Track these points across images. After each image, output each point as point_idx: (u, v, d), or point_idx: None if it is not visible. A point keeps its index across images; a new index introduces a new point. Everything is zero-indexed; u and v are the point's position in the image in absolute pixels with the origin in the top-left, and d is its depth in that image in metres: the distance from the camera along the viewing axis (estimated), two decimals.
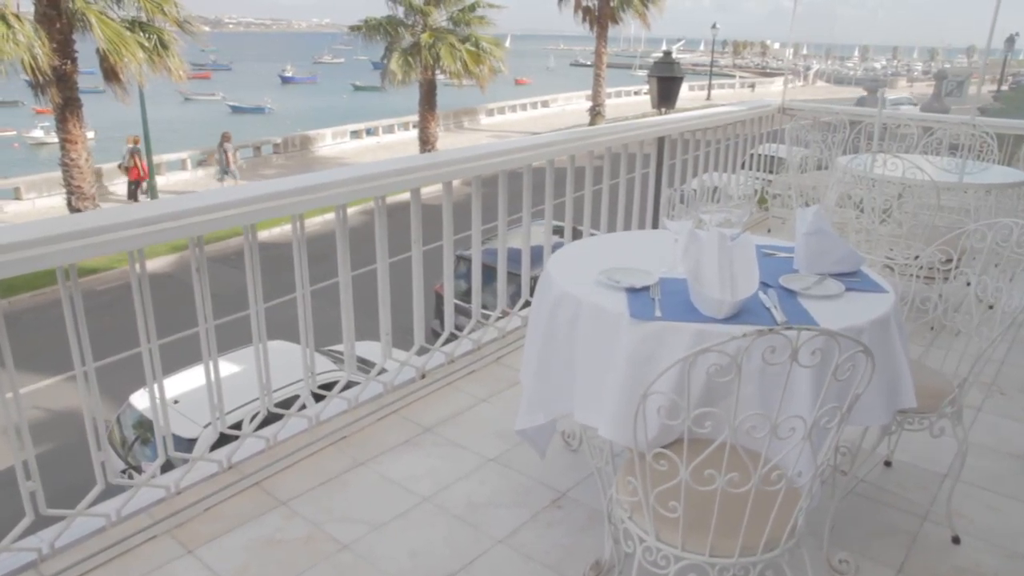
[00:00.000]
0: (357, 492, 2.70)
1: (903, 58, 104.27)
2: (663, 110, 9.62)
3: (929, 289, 4.03)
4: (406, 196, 3.30)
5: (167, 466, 2.85)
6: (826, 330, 1.43)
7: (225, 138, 19.63)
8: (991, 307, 2.42)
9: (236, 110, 43.12)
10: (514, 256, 3.98)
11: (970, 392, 2.47)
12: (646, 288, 2.11)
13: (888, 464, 2.86)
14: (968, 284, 2.80)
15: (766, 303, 2.03)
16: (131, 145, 18.12)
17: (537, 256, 4.22)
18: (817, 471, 1.63)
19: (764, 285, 2.18)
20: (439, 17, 21.28)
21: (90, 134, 30.53)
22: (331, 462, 2.88)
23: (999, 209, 4.78)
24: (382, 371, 3.38)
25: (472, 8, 21.44)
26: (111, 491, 2.51)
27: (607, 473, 2.10)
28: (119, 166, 18.60)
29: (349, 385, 3.26)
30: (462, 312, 4.14)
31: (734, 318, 1.92)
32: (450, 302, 3.66)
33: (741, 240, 2.11)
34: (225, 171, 19.52)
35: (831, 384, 1.47)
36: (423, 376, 3.52)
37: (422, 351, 3.54)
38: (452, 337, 3.74)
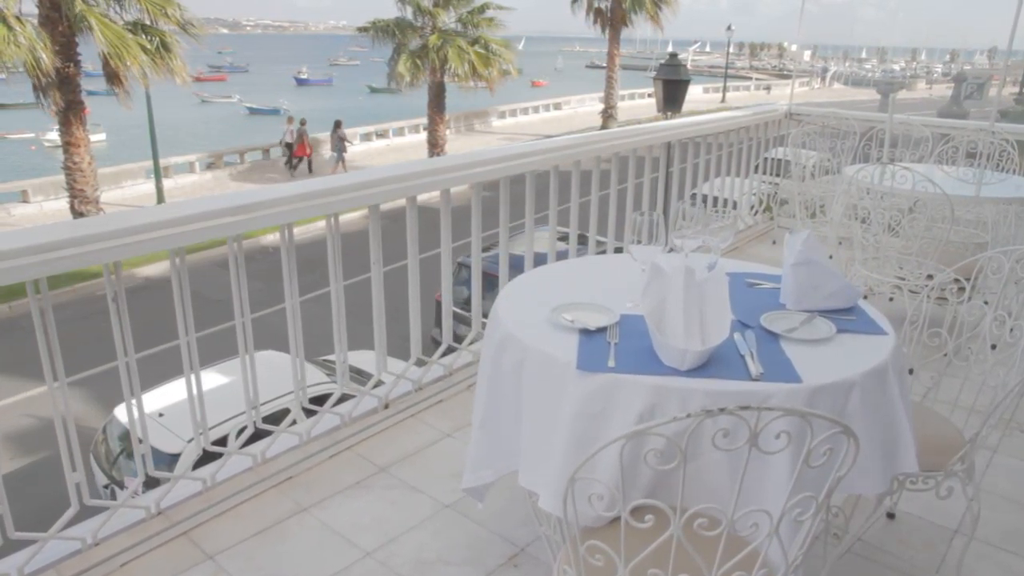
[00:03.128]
0: (295, 544, 2.43)
1: (922, 60, 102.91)
2: (669, 114, 9.33)
3: (943, 310, 3.72)
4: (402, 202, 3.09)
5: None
6: (793, 409, 1.13)
7: (338, 125, 21.62)
8: (1012, 330, 2.12)
9: (253, 111, 43.16)
10: (516, 263, 3.75)
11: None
12: (603, 330, 1.82)
13: (891, 516, 2.55)
14: (985, 303, 2.50)
15: (741, 349, 1.74)
16: (293, 126, 21.24)
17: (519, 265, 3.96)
18: (790, 568, 1.34)
19: (742, 325, 1.89)
20: (448, 19, 21.03)
21: (101, 136, 30.70)
22: (271, 507, 2.61)
23: (1020, 223, 4.44)
24: (341, 399, 3.11)
25: (481, 10, 21.16)
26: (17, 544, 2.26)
27: (556, 542, 1.82)
28: (280, 142, 21.94)
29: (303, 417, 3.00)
30: (462, 321, 3.91)
31: (701, 370, 1.63)
32: (416, 327, 3.38)
33: (715, 274, 1.82)
34: (340, 157, 21.65)
35: (803, 471, 1.18)
36: (386, 406, 3.24)
37: (386, 378, 3.26)
38: (422, 362, 3.47)
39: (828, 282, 1.98)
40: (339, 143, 21.72)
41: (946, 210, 3.75)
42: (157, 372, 6.34)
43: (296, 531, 2.50)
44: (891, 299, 4.00)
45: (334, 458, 2.90)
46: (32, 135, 33.66)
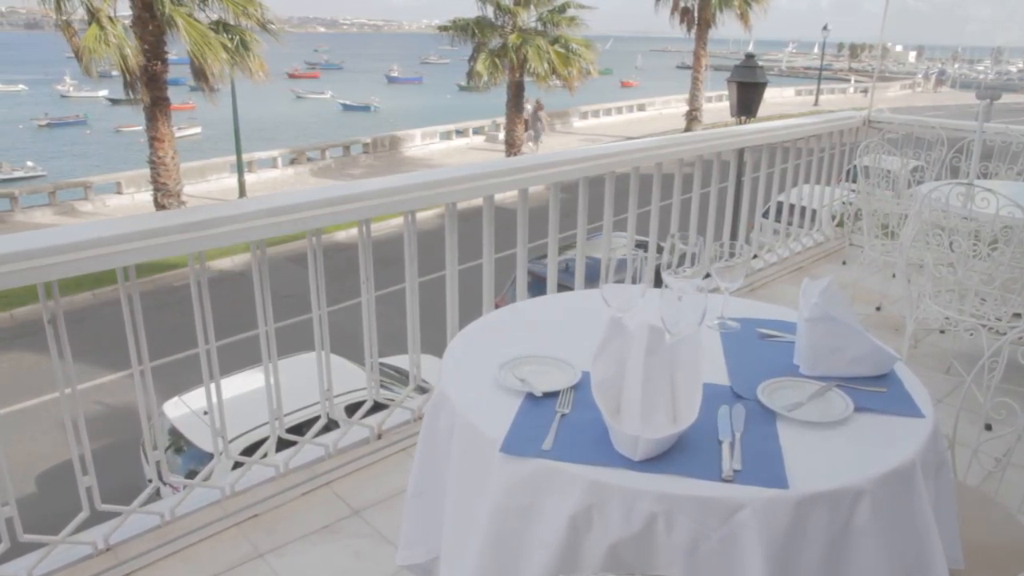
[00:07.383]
0: None
1: None
2: (743, 120, 8.75)
3: None
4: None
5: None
6: None
7: (539, 107, 23.64)
8: None
9: (346, 108, 44.21)
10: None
11: None
12: (555, 395, 1.48)
13: None
14: None
15: (722, 431, 1.36)
16: (529, 104, 23.48)
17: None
18: None
19: (734, 396, 1.51)
20: (528, 18, 20.75)
21: (196, 130, 31.99)
22: (227, 550, 2.39)
23: None
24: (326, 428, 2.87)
25: (562, 9, 20.78)
26: None
27: None
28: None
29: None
30: None
31: (660, 460, 1.27)
32: (416, 342, 3.10)
33: (693, 334, 1.45)
34: (538, 136, 23.59)
35: None
36: (379, 436, 2.98)
37: (378, 408, 3.00)
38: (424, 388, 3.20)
39: (852, 344, 1.57)
40: (537, 123, 23.23)
41: None
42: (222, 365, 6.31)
43: None
44: (971, 334, 3.47)
45: (307, 495, 2.66)
46: (140, 128, 35.53)
